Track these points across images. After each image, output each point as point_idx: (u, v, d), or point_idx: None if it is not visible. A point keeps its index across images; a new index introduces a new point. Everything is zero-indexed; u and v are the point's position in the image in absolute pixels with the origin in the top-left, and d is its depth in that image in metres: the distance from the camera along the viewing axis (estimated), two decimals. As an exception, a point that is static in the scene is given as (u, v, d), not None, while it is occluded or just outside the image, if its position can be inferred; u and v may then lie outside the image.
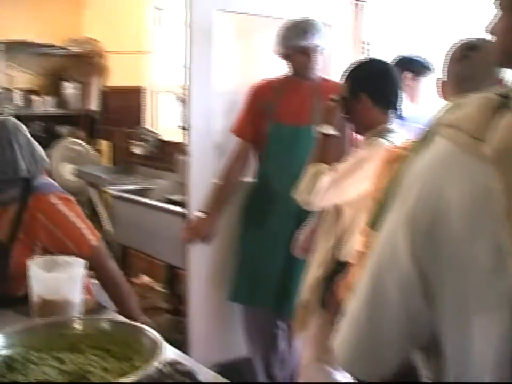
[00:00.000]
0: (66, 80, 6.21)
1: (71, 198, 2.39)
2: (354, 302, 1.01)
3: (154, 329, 1.55)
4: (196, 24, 3.17)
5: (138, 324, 1.66)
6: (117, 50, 5.80)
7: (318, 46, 3.12)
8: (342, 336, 1.03)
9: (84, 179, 5.44)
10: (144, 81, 5.61)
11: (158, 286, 5.33)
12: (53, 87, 6.19)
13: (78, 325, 1.65)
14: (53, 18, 6.08)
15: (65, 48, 6.04)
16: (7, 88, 5.79)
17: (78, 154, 5.72)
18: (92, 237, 2.32)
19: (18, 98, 5.85)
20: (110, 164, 6.06)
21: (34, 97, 5.98)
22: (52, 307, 1.89)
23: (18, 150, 2.30)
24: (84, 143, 5.85)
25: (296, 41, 3.08)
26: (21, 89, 5.91)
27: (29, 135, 2.39)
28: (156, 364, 1.39)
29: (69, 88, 6.18)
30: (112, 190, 4.74)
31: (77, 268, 1.96)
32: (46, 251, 2.27)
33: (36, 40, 5.72)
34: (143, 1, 5.51)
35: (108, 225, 4.97)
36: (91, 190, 5.31)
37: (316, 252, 2.56)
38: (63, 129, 6.15)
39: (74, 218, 2.30)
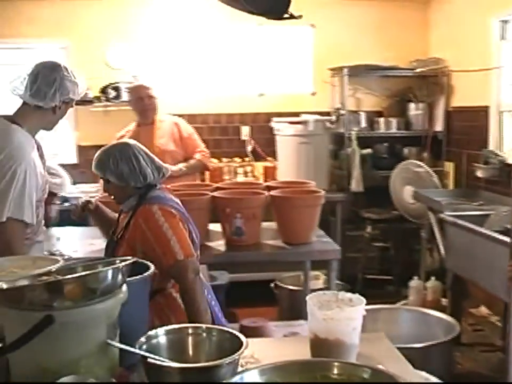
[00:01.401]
0: (411, 101, 6.17)
1: (174, 211, 2.62)
2: None
3: None
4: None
5: (399, 377, 1.51)
6: (462, 69, 5.59)
7: None
8: None
9: (423, 202, 5.32)
10: (490, 100, 5.31)
11: (495, 320, 4.98)
12: (397, 108, 6.22)
13: (336, 370, 1.55)
14: (398, 40, 6.16)
15: (410, 69, 6.01)
16: (353, 111, 5.97)
17: (418, 177, 5.61)
18: (180, 251, 2.52)
19: (363, 120, 5.98)
20: (453, 187, 5.85)
21: (378, 119, 6.07)
22: (324, 346, 1.83)
23: (143, 159, 2.65)
24: (426, 165, 5.71)
25: None
26: (366, 111, 6.05)
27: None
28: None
29: (414, 109, 6.14)
30: (448, 215, 4.55)
31: (358, 307, 1.87)
32: (145, 254, 2.47)
33: (379, 63, 5.80)
34: (489, 15, 5.22)
35: (443, 251, 4.79)
36: (430, 214, 5.17)
37: None
38: (407, 151, 6.12)
39: (167, 229, 2.53)
